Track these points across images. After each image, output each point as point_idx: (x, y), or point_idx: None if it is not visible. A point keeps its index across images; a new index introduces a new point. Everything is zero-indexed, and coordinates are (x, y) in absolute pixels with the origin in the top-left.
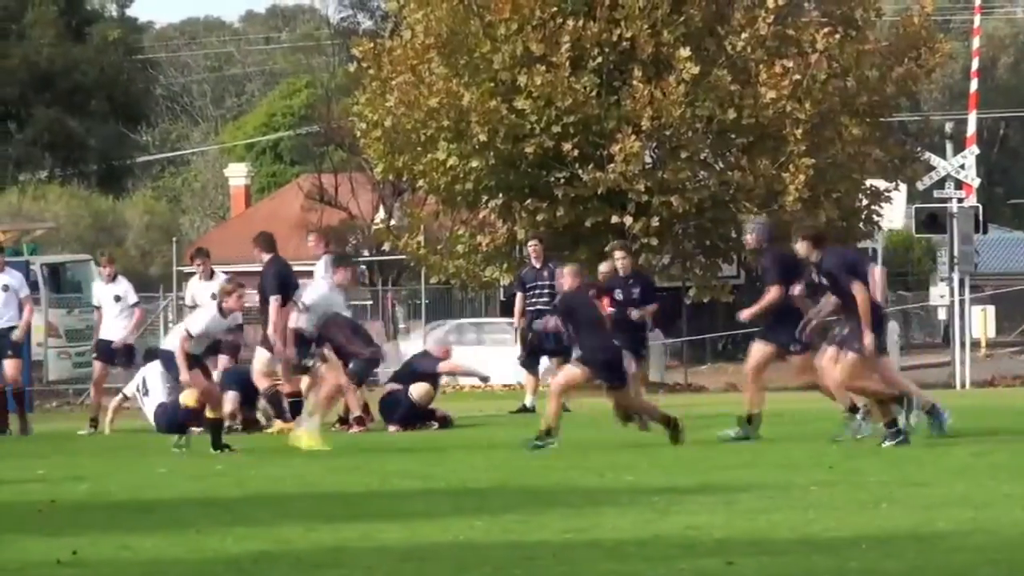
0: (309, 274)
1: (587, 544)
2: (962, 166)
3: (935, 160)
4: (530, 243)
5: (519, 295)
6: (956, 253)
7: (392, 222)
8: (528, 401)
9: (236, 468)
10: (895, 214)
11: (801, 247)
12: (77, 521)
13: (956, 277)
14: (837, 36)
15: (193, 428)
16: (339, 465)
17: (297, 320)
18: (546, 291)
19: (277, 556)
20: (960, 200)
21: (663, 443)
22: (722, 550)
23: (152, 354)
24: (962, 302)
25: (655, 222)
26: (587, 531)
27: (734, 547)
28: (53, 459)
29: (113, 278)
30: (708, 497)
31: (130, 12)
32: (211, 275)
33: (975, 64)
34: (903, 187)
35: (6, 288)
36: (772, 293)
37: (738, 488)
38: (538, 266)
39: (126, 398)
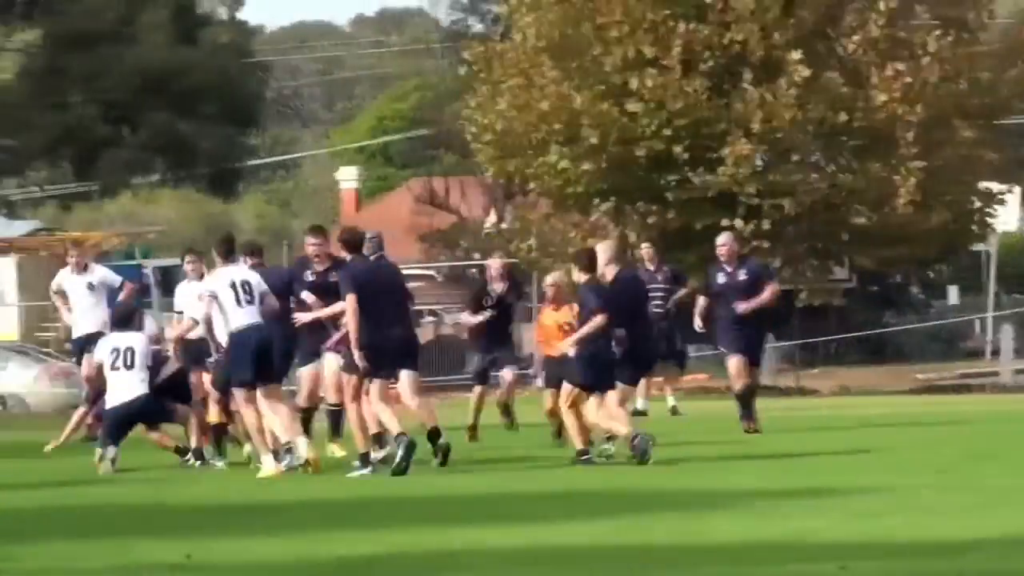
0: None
1: (696, 548)
2: None
3: None
4: (643, 245)
5: None
6: None
7: (503, 225)
8: (640, 404)
9: (338, 471)
10: (1009, 216)
11: None
12: (191, 524)
13: None
14: (949, 38)
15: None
16: (445, 468)
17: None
18: (659, 293)
19: (388, 560)
20: None
21: (769, 448)
22: (834, 553)
23: (124, 322)
24: None
25: (766, 225)
26: (696, 535)
27: (846, 550)
28: (169, 462)
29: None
30: (819, 500)
31: (241, 16)
32: (201, 276)
33: None
34: (1017, 189)
35: (92, 287)
36: None
37: (849, 491)
38: (652, 268)
39: None
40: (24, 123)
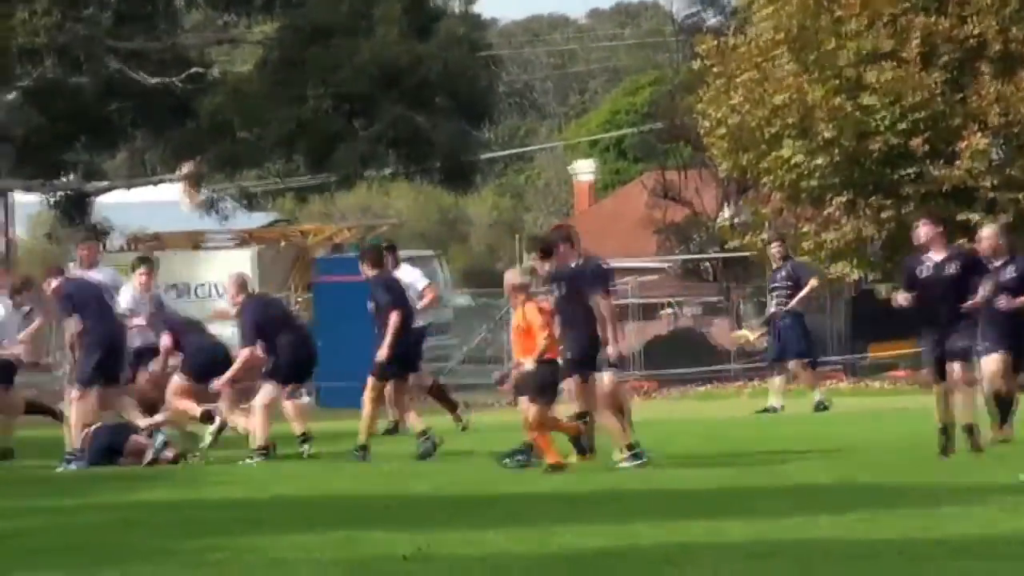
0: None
1: (932, 542)
2: None
3: None
4: (772, 244)
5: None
6: None
7: (737, 219)
8: (775, 402)
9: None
10: None
11: None
12: (421, 516)
13: None
14: None
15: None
16: (688, 460)
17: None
18: (782, 290)
19: (621, 553)
20: None
21: (1003, 443)
22: None
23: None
24: None
25: (1004, 219)
26: (931, 529)
27: None
28: (401, 453)
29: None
30: None
31: (475, 9)
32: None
33: None
34: None
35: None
36: None
37: None
38: (776, 266)
39: None
40: (262, 115)
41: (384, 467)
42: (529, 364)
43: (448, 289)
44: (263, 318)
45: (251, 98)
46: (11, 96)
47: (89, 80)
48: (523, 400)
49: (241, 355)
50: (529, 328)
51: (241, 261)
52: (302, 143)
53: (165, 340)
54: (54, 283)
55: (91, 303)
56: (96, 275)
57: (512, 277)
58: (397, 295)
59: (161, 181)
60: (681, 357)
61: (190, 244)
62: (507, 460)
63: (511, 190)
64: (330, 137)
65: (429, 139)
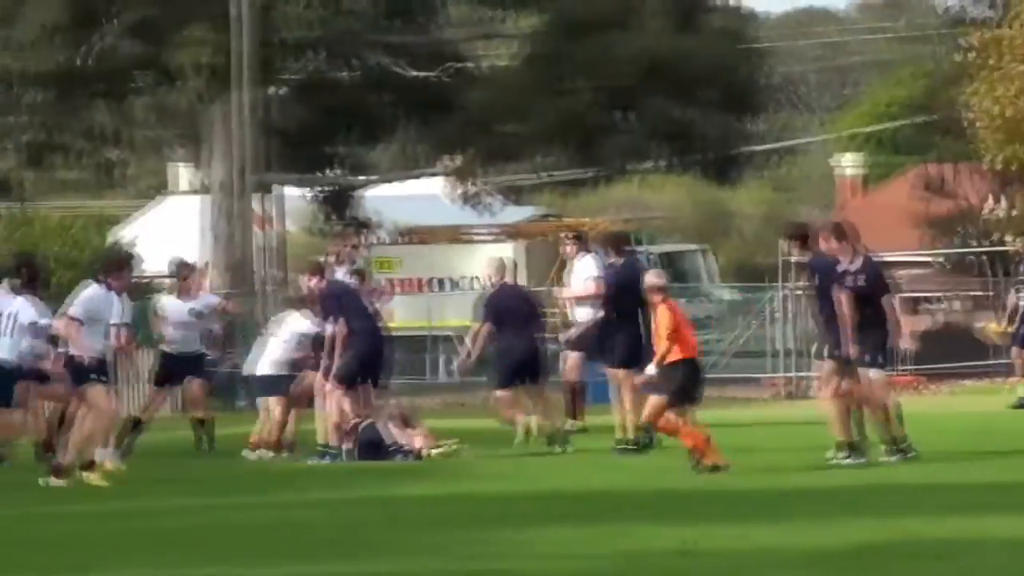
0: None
1: None
2: None
3: None
4: (1017, 238)
5: None
6: None
7: (1014, 212)
8: None
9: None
10: None
11: None
12: (690, 511)
13: None
14: None
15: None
16: (952, 455)
17: None
18: None
19: (893, 547)
20: None
21: None
22: None
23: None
24: None
25: None
26: None
27: None
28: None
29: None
30: None
31: (743, 2)
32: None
33: None
34: None
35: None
36: None
37: None
38: (1018, 260)
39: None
40: (527, 109)
41: (652, 461)
42: (650, 369)
43: (714, 283)
44: (502, 305)
45: (515, 92)
46: (279, 91)
47: (353, 74)
48: (652, 397)
49: (473, 329)
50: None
51: (504, 255)
52: (566, 137)
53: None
54: (313, 282)
55: (353, 305)
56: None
57: (651, 278)
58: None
59: (425, 174)
60: (951, 352)
61: (453, 238)
62: None
63: (776, 183)
64: (595, 131)
65: (694, 132)
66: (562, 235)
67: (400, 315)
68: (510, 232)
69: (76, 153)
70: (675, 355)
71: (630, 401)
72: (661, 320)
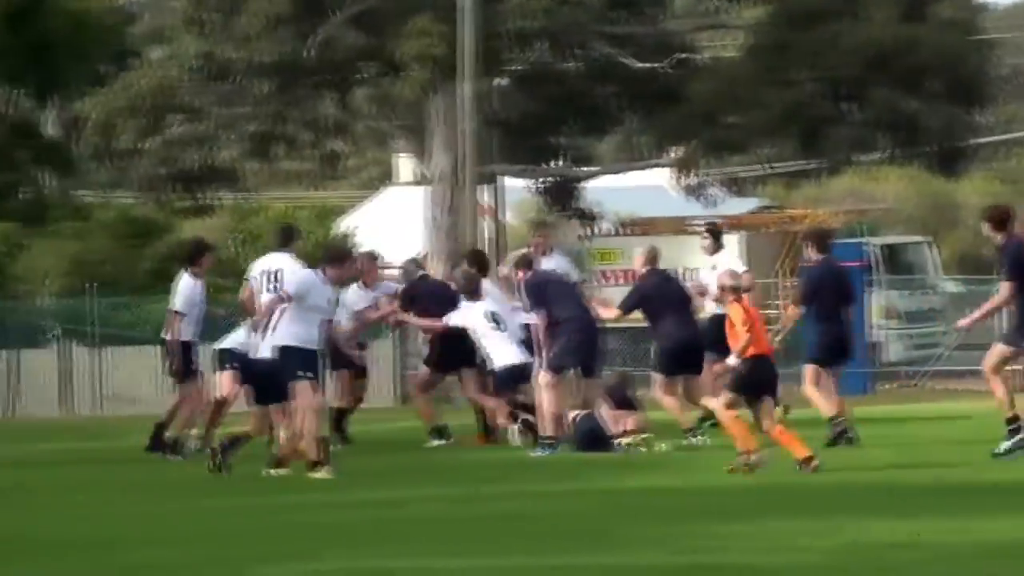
0: None
1: None
2: None
3: None
4: None
5: None
6: None
7: None
8: None
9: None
10: None
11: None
12: (910, 504)
13: None
14: None
15: None
16: None
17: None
18: None
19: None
20: None
21: None
22: None
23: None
24: None
25: None
26: None
27: None
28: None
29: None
30: None
31: None
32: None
33: None
34: None
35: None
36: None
37: None
38: None
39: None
40: (751, 100)
41: (865, 452)
42: (732, 361)
43: (938, 275)
44: (655, 294)
45: (739, 83)
46: (502, 81)
47: (578, 65)
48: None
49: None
50: (732, 327)
51: (728, 246)
52: (791, 128)
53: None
54: (521, 274)
55: (561, 295)
56: (549, 263)
57: (722, 279)
58: None
59: (649, 166)
60: None
61: (677, 229)
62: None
63: (1005, 175)
64: (818, 122)
65: (919, 123)
66: (701, 230)
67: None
68: (733, 223)
69: (300, 144)
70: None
71: (826, 394)
72: (735, 316)
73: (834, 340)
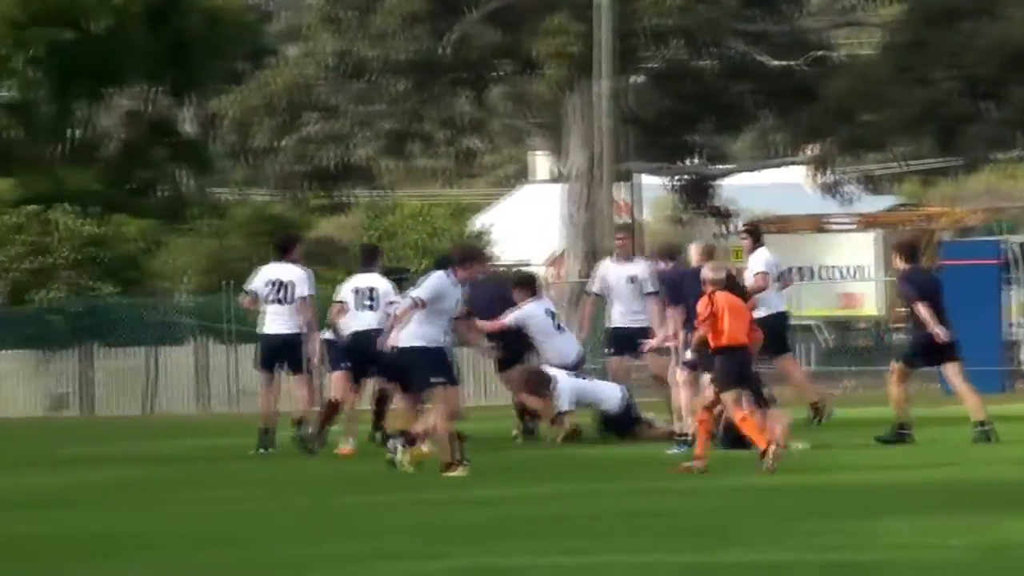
0: None
1: None
2: None
3: None
4: None
5: None
6: None
7: None
8: None
9: None
10: None
11: None
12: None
13: None
14: None
15: None
16: None
17: None
18: None
19: None
20: None
21: None
22: None
23: None
24: None
25: None
26: None
27: None
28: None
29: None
30: None
31: None
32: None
33: None
34: None
35: (632, 280)
36: None
37: None
38: None
39: None
40: (887, 98)
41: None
42: (687, 354)
43: None
44: (681, 285)
45: (875, 81)
46: (638, 79)
47: (713, 62)
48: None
49: (669, 312)
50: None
51: (864, 244)
52: (927, 126)
53: None
54: (662, 265)
55: (695, 292)
56: (631, 267)
57: (705, 272)
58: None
59: (784, 163)
60: None
61: (813, 227)
62: None
63: None
64: (955, 120)
65: None
66: (738, 231)
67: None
68: (869, 221)
69: (435, 142)
70: (715, 342)
71: (966, 390)
72: (701, 308)
73: (927, 342)
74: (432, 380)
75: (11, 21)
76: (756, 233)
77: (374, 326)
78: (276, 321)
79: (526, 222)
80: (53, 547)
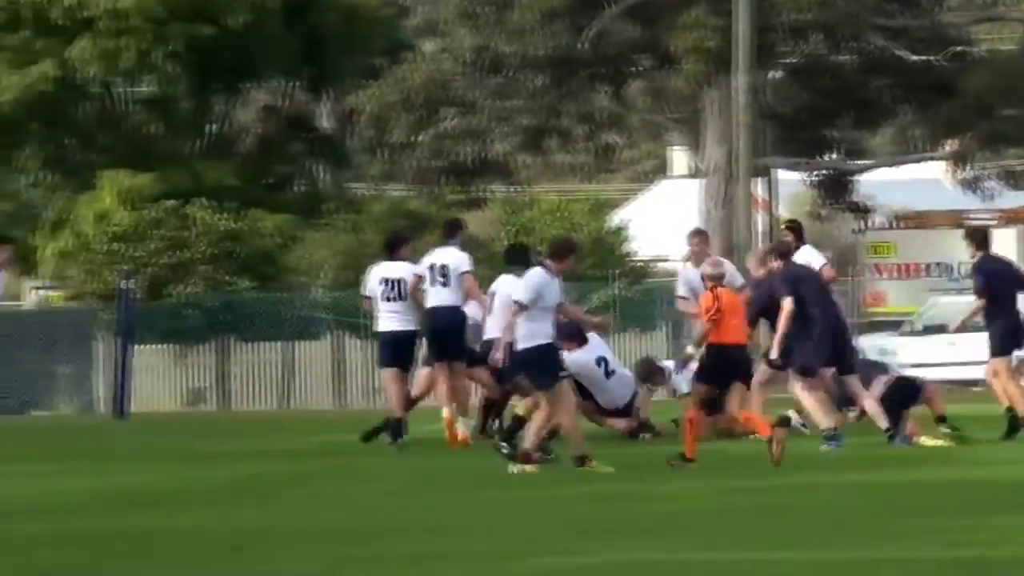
0: None
1: None
2: None
3: None
4: None
5: None
6: None
7: None
8: None
9: None
10: None
11: None
12: None
13: None
14: None
15: None
16: None
17: None
18: None
19: None
20: None
21: None
22: None
23: None
24: None
25: None
26: None
27: None
28: None
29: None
30: None
31: None
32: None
33: None
34: None
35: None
36: None
37: None
38: None
39: None
40: None
41: None
42: (690, 349)
43: None
44: (800, 287)
45: (1016, 76)
46: (776, 74)
47: (852, 57)
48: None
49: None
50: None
51: (1005, 240)
52: None
53: None
54: (775, 264)
55: (813, 292)
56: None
57: (704, 267)
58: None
59: (924, 159)
60: None
61: (952, 223)
62: None
63: None
64: None
65: None
66: (780, 229)
67: (897, 300)
68: (1010, 217)
69: (573, 137)
70: (713, 339)
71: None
72: (703, 304)
73: (1010, 330)
74: (552, 378)
75: (151, 17)
76: (799, 231)
77: (448, 303)
78: (392, 319)
79: (664, 218)
80: (195, 541)
